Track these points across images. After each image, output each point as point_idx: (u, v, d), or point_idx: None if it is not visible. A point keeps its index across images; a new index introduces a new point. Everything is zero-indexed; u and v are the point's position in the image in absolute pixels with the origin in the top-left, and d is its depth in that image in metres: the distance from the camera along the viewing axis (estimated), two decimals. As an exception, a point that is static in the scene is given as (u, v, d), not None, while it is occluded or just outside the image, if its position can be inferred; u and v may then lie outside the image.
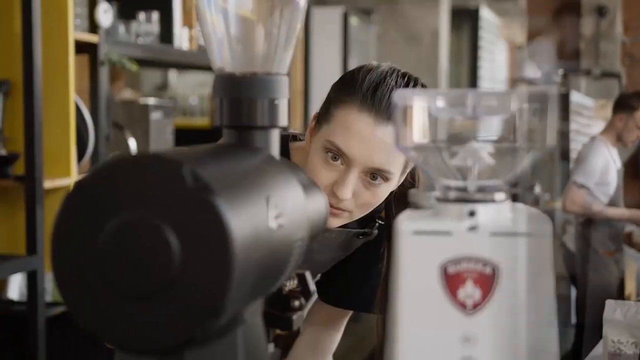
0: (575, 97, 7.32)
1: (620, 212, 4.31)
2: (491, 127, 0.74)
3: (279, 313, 0.86)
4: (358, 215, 1.30)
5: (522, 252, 0.68)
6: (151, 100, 3.13)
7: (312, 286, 0.89)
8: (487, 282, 0.68)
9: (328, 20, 4.98)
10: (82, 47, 2.64)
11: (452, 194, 0.71)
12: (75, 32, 2.55)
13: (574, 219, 4.37)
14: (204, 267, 0.61)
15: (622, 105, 4.28)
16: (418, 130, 0.73)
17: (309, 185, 0.87)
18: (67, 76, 2.48)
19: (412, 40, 5.46)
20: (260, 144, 0.81)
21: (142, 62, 3.16)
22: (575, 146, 7.40)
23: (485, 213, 0.70)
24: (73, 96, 2.51)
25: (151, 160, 0.63)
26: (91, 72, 2.67)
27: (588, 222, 4.25)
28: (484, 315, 0.68)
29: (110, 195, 0.63)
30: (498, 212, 0.70)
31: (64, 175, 2.51)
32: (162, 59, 3.14)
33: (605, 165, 4.17)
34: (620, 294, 4.26)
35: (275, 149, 0.83)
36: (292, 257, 0.75)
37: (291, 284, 0.88)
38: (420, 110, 0.72)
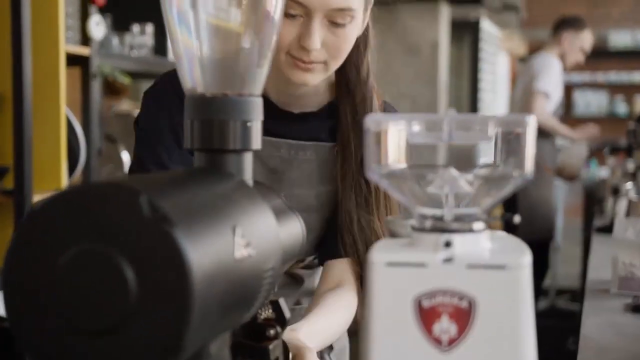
0: (486, 26, 7.33)
1: (568, 130, 4.54)
2: (470, 153, 0.71)
3: (254, 343, 0.83)
4: (334, 65, 1.25)
5: (499, 285, 0.65)
6: (146, 113, 3.09)
7: (288, 313, 0.86)
8: (464, 316, 0.65)
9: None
10: (74, 60, 2.61)
11: (428, 223, 0.68)
12: (67, 45, 2.53)
13: None
14: (162, 302, 0.58)
15: (568, 25, 4.44)
16: (392, 156, 0.70)
17: (284, 210, 0.84)
18: (58, 89, 2.45)
19: (412, 52, 5.44)
20: (232, 168, 0.78)
21: (137, 75, 3.14)
22: (482, 76, 7.46)
23: (462, 243, 0.67)
24: (64, 109, 2.48)
25: (108, 188, 0.60)
26: (83, 85, 2.65)
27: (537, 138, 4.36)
28: (461, 352, 0.65)
29: (65, 224, 0.60)
30: (475, 243, 0.67)
31: (55, 189, 2.48)
32: (156, 71, 3.12)
33: (558, 77, 4.34)
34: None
35: (248, 173, 0.80)
36: (262, 287, 0.72)
37: (265, 312, 0.85)
38: (394, 135, 0.69)
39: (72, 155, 2.56)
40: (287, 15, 1.19)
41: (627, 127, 4.52)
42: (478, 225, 0.68)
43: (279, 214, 0.80)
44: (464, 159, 0.72)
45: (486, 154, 0.70)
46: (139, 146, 1.34)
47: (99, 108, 2.77)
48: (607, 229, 2.75)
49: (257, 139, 0.80)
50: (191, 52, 0.79)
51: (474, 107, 7.45)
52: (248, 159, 0.80)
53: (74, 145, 2.56)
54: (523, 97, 4.39)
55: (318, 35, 1.20)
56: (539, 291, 4.72)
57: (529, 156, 0.67)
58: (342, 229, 1.31)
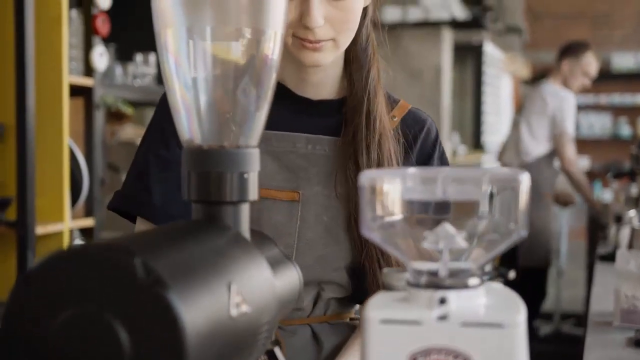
0: (489, 49, 7.34)
1: (591, 195, 4.59)
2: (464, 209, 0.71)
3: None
4: (344, 40, 1.18)
5: (495, 343, 0.65)
6: (148, 141, 3.11)
7: (284, 363, 0.86)
8: (459, 374, 0.64)
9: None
10: (78, 90, 2.63)
11: (423, 279, 0.68)
12: (71, 76, 2.54)
13: (515, 160, 4.46)
14: (156, 365, 0.58)
15: (569, 51, 4.47)
16: (386, 212, 0.70)
17: (280, 260, 0.84)
18: (61, 120, 2.47)
19: (415, 76, 5.46)
20: (229, 220, 0.78)
21: (140, 103, 3.15)
22: (485, 99, 7.46)
23: (457, 300, 0.67)
24: (67, 140, 2.49)
25: (102, 250, 0.60)
26: (86, 115, 2.66)
27: (537, 164, 4.35)
28: (455, 410, 0.65)
29: (60, 287, 0.60)
30: (470, 299, 0.67)
31: (57, 220, 2.49)
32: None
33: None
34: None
35: (244, 225, 0.80)
36: (258, 342, 0.72)
37: (262, 363, 0.85)
38: (388, 191, 0.69)
39: (75, 185, 2.57)
40: None
41: (630, 149, 4.53)
42: (473, 281, 0.68)
43: (275, 264, 0.81)
44: (459, 210, 0.72)
45: (481, 208, 0.70)
46: (144, 142, 1.28)
47: (102, 136, 2.78)
48: (611, 257, 2.75)
49: (254, 190, 0.80)
50: (188, 104, 0.80)
51: (477, 129, 7.46)
52: (245, 210, 0.80)
53: (76, 176, 2.56)
54: (551, 134, 4.38)
55: (318, 11, 1.13)
56: (536, 315, 4.70)
57: (523, 212, 0.67)
58: (366, 257, 1.21)
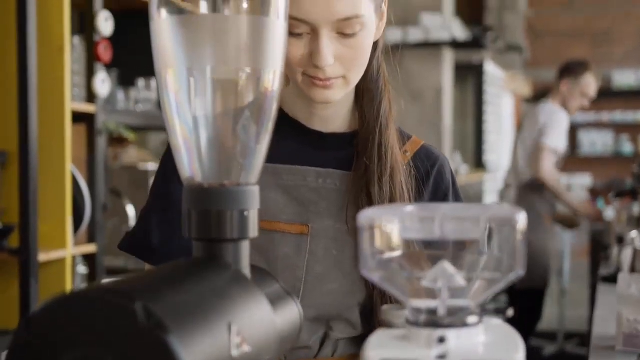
0: (490, 68, 7.35)
1: (575, 201, 4.56)
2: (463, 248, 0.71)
3: None
4: (355, 77, 1.17)
5: (494, 382, 0.65)
6: (151, 166, 3.12)
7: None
8: (458, 413, 0.65)
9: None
10: (80, 117, 2.64)
11: (422, 318, 0.69)
12: (73, 103, 2.56)
13: (514, 181, 4.46)
14: (157, 409, 0.58)
15: (568, 71, 4.45)
16: (385, 250, 0.70)
17: (281, 295, 0.84)
18: (63, 147, 2.48)
19: (416, 97, 5.48)
20: (230, 257, 0.79)
21: (143, 128, 3.17)
22: (487, 118, 7.46)
23: (456, 339, 0.67)
24: (69, 167, 2.50)
25: (103, 294, 0.61)
26: (89, 142, 2.67)
27: (533, 186, 4.33)
28: None
29: (62, 330, 0.61)
30: (469, 337, 0.68)
31: (60, 247, 2.49)
32: (161, 125, 3.15)
33: (565, 132, 4.35)
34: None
35: (245, 262, 0.80)
36: (258, 380, 0.73)
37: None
38: (386, 230, 0.70)
39: (78, 212, 2.58)
40: (293, 34, 1.13)
41: (632, 167, 4.52)
42: (472, 319, 0.69)
43: (275, 300, 0.81)
44: (458, 248, 0.72)
45: (479, 247, 0.70)
46: (151, 193, 1.30)
47: (105, 161, 2.79)
48: (613, 279, 2.74)
49: (254, 227, 0.81)
50: (189, 142, 0.81)
51: (478, 149, 7.47)
52: (245, 247, 0.81)
53: (79, 202, 2.57)
54: (531, 150, 4.40)
55: (328, 50, 1.12)
56: (531, 335, 4.68)
57: (520, 251, 0.68)
58: (377, 293, 1.20)
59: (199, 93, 0.80)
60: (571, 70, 4.43)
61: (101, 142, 2.68)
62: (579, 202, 4.70)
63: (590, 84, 4.42)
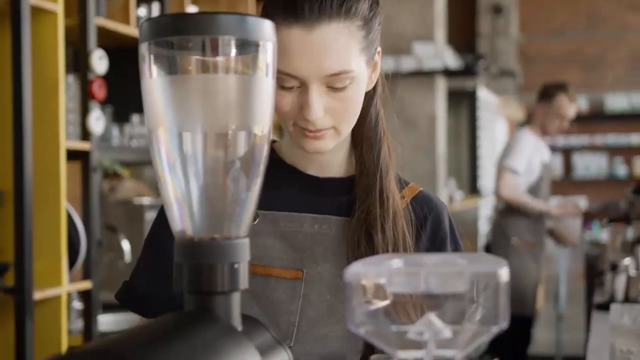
0: (483, 94, 7.39)
1: (545, 205, 4.41)
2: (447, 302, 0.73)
3: None
4: (345, 128, 1.18)
5: None
6: (146, 200, 3.14)
7: None
8: None
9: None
10: (75, 154, 2.66)
11: (409, 370, 0.70)
12: (68, 141, 2.58)
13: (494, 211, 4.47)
14: None
15: (542, 95, 4.44)
16: (371, 305, 0.72)
17: (271, 345, 0.86)
18: (58, 185, 2.49)
19: (410, 125, 5.51)
20: (220, 310, 0.81)
21: (138, 163, 3.19)
22: (481, 143, 7.48)
23: (443, 390, 0.69)
24: (64, 205, 2.52)
25: (92, 356, 0.62)
26: (83, 179, 2.69)
27: (506, 211, 4.31)
28: None
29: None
30: (456, 389, 0.69)
31: (55, 284, 2.50)
32: (156, 160, 3.15)
33: (531, 154, 4.27)
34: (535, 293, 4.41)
35: (235, 313, 0.82)
36: None
37: None
38: (373, 285, 0.71)
39: (73, 249, 2.59)
40: (284, 88, 1.14)
41: (625, 193, 4.53)
42: (458, 370, 0.70)
43: (266, 350, 0.82)
44: (444, 301, 0.74)
45: (464, 300, 0.72)
46: (144, 244, 1.33)
47: (99, 197, 2.80)
48: (607, 306, 2.75)
49: (244, 279, 0.82)
50: (179, 197, 0.82)
51: (473, 174, 7.50)
52: (236, 299, 0.82)
53: (74, 239, 2.58)
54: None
55: (318, 104, 1.13)
56: None
57: (503, 304, 0.70)
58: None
59: (189, 150, 0.82)
60: (545, 93, 4.41)
61: (96, 179, 2.69)
62: (553, 207, 4.59)
63: (563, 105, 4.36)
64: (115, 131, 2.94)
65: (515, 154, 4.27)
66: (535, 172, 4.36)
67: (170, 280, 1.00)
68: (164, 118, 0.81)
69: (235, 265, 0.81)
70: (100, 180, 2.78)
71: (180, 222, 0.83)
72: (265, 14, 1.16)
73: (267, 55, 0.82)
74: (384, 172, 1.24)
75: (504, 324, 0.70)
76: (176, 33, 0.79)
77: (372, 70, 1.21)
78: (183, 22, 0.79)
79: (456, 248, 1.30)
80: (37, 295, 2.41)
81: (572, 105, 4.42)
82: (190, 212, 0.82)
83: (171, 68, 0.81)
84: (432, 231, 1.28)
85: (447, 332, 0.71)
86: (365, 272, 0.72)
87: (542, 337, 6.56)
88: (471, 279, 0.70)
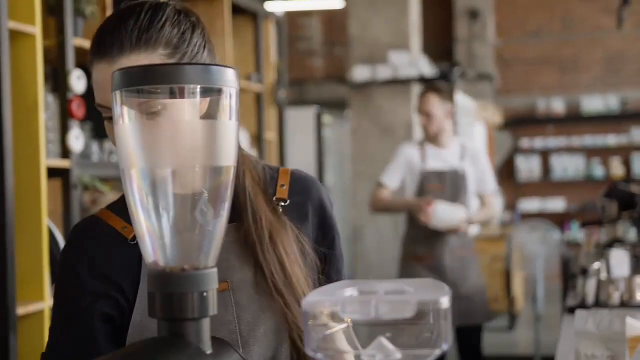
0: (459, 99, 7.49)
1: (403, 201, 4.19)
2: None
3: None
4: None
5: None
6: (126, 213, 3.19)
7: None
8: None
9: (303, 120, 5.12)
10: (55, 172, 2.72)
11: (361, 390, 0.78)
12: (48, 159, 2.63)
13: None
14: None
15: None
16: (327, 331, 0.79)
17: (241, 367, 0.93)
18: (39, 202, 2.55)
19: (386, 133, 5.59)
20: (191, 335, 0.88)
21: (118, 178, 3.25)
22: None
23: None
24: (46, 221, 2.58)
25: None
26: (64, 196, 2.75)
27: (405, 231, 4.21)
28: None
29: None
30: (404, 407, 0.77)
31: (38, 299, 2.56)
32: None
33: (407, 165, 4.12)
34: None
35: (206, 337, 0.89)
36: None
37: None
38: (328, 314, 0.79)
39: (55, 265, 2.64)
40: (109, 120, 1.22)
41: (599, 198, 4.58)
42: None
43: (236, 371, 0.90)
44: (394, 326, 0.81)
45: (411, 326, 0.79)
46: (55, 312, 1.29)
47: (82, 208, 2.85)
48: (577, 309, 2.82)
49: (213, 305, 0.89)
50: (151, 231, 0.89)
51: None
52: (206, 324, 0.89)
53: (55, 254, 2.64)
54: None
55: None
56: None
57: (445, 328, 0.77)
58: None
59: (159, 187, 0.89)
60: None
61: (76, 196, 2.75)
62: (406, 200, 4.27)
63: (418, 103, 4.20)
64: (95, 147, 3.00)
65: (388, 168, 4.15)
66: (414, 181, 4.16)
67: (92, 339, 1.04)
68: (136, 159, 0.88)
69: (205, 294, 0.88)
70: (82, 194, 2.84)
71: (153, 254, 0.90)
72: (88, 52, 1.24)
73: (231, 100, 0.89)
74: (252, 197, 1.28)
75: (445, 346, 0.78)
76: (146, 83, 0.86)
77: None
78: (152, 72, 0.87)
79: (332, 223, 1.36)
80: (20, 310, 2.46)
81: (418, 99, 4.18)
82: (161, 244, 0.89)
83: (141, 114, 0.88)
84: (317, 212, 1.35)
85: (397, 354, 0.79)
86: (321, 301, 0.79)
87: (521, 337, 6.66)
88: (417, 307, 0.78)
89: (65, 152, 2.73)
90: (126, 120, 0.88)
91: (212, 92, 0.88)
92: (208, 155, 0.89)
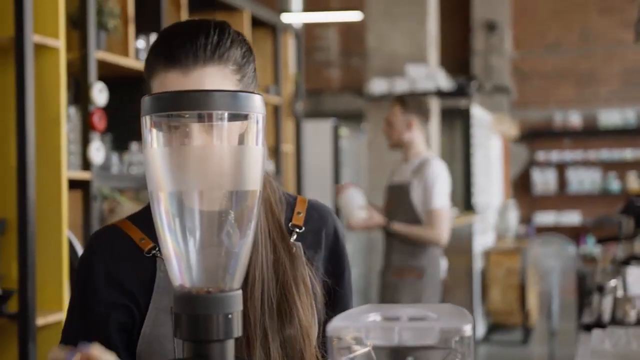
0: (476, 111, 7.47)
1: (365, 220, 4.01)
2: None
3: None
4: None
5: None
6: (144, 224, 3.21)
7: None
8: None
9: (319, 132, 5.14)
10: (76, 183, 2.75)
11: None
12: (69, 171, 2.66)
13: None
14: None
15: None
16: (352, 354, 0.81)
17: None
18: (60, 214, 2.58)
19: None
20: (216, 357, 0.89)
21: (137, 188, 3.28)
22: (475, 160, 7.50)
23: None
24: (66, 233, 2.60)
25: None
26: (84, 207, 2.78)
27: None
28: None
29: None
30: None
31: (57, 310, 2.58)
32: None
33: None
34: None
35: (230, 359, 0.90)
36: None
37: None
38: (352, 339, 0.80)
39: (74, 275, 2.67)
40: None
41: (621, 203, 4.54)
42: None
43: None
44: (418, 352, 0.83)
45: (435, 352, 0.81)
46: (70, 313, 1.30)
47: (100, 216, 2.88)
48: (593, 327, 2.82)
49: (238, 327, 0.91)
50: (178, 254, 0.91)
51: (467, 191, 7.58)
52: (230, 345, 0.91)
53: (75, 265, 2.66)
54: None
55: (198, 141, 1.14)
56: None
57: (468, 357, 0.78)
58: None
59: (186, 210, 0.91)
60: None
61: (96, 207, 2.78)
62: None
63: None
64: (114, 159, 3.03)
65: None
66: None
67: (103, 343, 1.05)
68: (164, 183, 0.90)
69: (230, 316, 0.90)
70: (100, 203, 2.86)
71: (179, 276, 0.92)
72: (147, 61, 1.25)
73: (258, 125, 0.91)
74: (268, 223, 1.30)
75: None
76: (175, 108, 0.88)
77: None
78: (181, 98, 0.88)
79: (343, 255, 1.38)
80: (40, 321, 2.49)
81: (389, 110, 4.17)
82: (188, 266, 0.91)
83: (170, 139, 0.90)
84: (331, 242, 1.36)
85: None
86: (345, 326, 0.81)
87: (535, 352, 6.64)
88: (440, 334, 0.79)
89: (86, 164, 2.76)
90: (155, 144, 0.90)
91: (240, 118, 0.90)
92: (234, 180, 0.90)
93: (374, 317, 0.82)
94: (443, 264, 4.06)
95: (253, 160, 0.91)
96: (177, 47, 1.20)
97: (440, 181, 3.95)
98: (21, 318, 2.42)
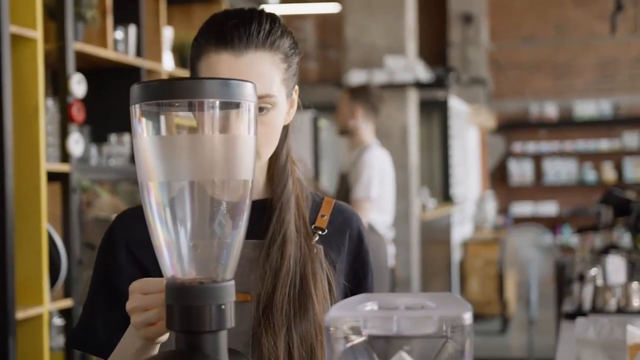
0: (453, 103, 7.52)
1: None
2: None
3: None
4: (266, 152, 1.24)
5: None
6: (124, 217, 3.18)
7: None
8: None
9: (298, 124, 5.11)
10: (55, 176, 2.72)
11: (381, 404, 0.78)
12: (48, 163, 2.63)
13: None
14: None
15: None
16: (349, 344, 0.80)
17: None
18: (39, 206, 2.55)
19: (383, 136, 5.58)
20: (209, 348, 0.88)
21: (116, 180, 3.25)
22: (452, 151, 7.55)
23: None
24: (45, 225, 2.57)
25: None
26: (63, 199, 2.74)
27: None
28: None
29: None
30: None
31: (37, 304, 2.55)
32: (134, 178, 3.21)
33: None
34: None
35: (223, 350, 0.89)
36: None
37: None
38: (349, 328, 0.79)
39: (54, 268, 2.64)
40: None
41: (597, 193, 4.58)
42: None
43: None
44: (415, 341, 0.82)
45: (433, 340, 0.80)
46: (92, 287, 1.32)
47: (78, 210, 2.85)
48: (575, 316, 2.83)
49: (231, 318, 0.90)
50: (170, 245, 0.90)
51: (445, 182, 7.61)
52: (223, 336, 0.90)
53: (55, 258, 2.64)
54: None
55: None
56: None
57: (468, 343, 0.78)
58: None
59: (177, 200, 0.89)
60: None
61: (75, 199, 2.75)
62: None
63: None
64: (93, 151, 3.00)
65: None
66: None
67: (127, 322, 1.05)
68: (154, 172, 0.89)
69: (222, 306, 0.89)
70: (80, 195, 2.84)
71: (171, 267, 0.90)
72: (196, 42, 1.25)
73: (249, 114, 0.89)
74: (284, 204, 1.29)
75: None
76: (165, 97, 0.87)
77: (290, 106, 1.30)
78: (171, 86, 0.87)
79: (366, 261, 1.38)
80: (20, 314, 2.46)
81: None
82: (179, 257, 0.90)
83: (160, 128, 0.89)
84: (354, 245, 1.36)
85: (416, 369, 0.79)
86: (342, 316, 0.80)
87: (514, 341, 6.68)
88: (439, 322, 0.78)
89: (65, 156, 2.73)
90: (144, 133, 0.88)
91: (231, 106, 0.89)
92: (226, 169, 0.89)
93: (371, 306, 0.82)
94: (390, 250, 4.05)
95: (245, 149, 0.90)
96: (231, 30, 1.20)
97: (367, 171, 3.92)
98: (0, 312, 2.39)
